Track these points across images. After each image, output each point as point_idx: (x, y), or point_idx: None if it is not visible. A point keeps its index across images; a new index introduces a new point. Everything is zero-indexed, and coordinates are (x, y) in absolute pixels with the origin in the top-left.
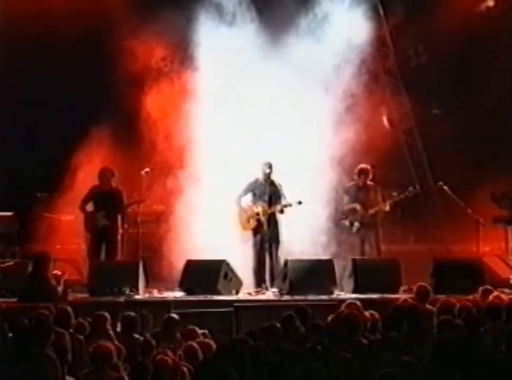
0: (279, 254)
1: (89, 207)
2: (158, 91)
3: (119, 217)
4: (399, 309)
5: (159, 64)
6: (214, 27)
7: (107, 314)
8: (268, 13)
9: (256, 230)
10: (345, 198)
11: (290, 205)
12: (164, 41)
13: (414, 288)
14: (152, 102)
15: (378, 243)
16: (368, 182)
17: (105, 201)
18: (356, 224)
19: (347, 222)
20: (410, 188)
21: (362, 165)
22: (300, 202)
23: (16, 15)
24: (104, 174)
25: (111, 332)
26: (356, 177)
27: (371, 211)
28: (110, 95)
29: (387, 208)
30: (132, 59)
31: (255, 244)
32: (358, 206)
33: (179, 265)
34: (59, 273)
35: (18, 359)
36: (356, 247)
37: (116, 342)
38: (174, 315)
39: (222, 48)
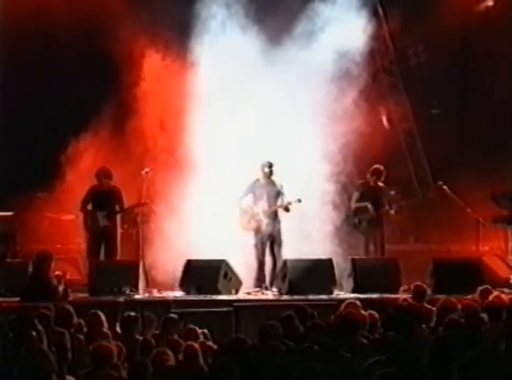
0: (278, 254)
1: (88, 207)
2: (156, 88)
3: (118, 216)
4: (399, 309)
5: (158, 61)
6: (213, 27)
7: (101, 313)
8: (268, 17)
9: (257, 231)
10: (355, 195)
11: (290, 203)
12: (163, 36)
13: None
14: (151, 99)
15: (383, 243)
16: (379, 184)
17: (104, 201)
18: (365, 223)
19: (355, 219)
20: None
21: (376, 166)
22: (299, 200)
23: (16, 9)
24: (102, 174)
25: (106, 330)
26: (368, 175)
27: (382, 211)
28: (109, 90)
29: (393, 212)
30: (131, 53)
31: (256, 244)
32: (369, 205)
33: (178, 264)
34: (60, 273)
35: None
36: (360, 246)
37: (113, 341)
38: (173, 316)
39: (221, 47)
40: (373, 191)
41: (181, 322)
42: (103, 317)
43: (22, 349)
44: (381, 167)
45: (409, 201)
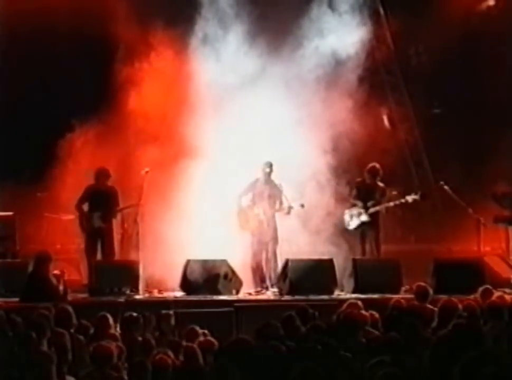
0: (277, 254)
1: (85, 206)
2: (155, 88)
3: (115, 217)
4: (399, 309)
5: (158, 61)
6: (212, 30)
7: (109, 316)
8: (268, 19)
9: (255, 231)
10: (353, 193)
11: (292, 208)
12: (163, 36)
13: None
14: (150, 99)
15: (378, 243)
16: (379, 183)
17: (101, 201)
18: (355, 221)
19: (347, 217)
20: (413, 195)
21: (372, 164)
22: (302, 205)
23: (15, 7)
24: (100, 174)
25: (113, 332)
26: (365, 174)
27: (371, 210)
28: (109, 88)
29: (384, 211)
30: (130, 53)
31: (253, 244)
32: (359, 203)
33: (178, 264)
34: (58, 272)
35: (16, 358)
36: (357, 246)
37: (118, 343)
38: (166, 312)
39: (221, 47)
40: (368, 189)
41: (173, 316)
42: (111, 320)
43: (22, 350)
44: (377, 165)
45: (402, 201)
